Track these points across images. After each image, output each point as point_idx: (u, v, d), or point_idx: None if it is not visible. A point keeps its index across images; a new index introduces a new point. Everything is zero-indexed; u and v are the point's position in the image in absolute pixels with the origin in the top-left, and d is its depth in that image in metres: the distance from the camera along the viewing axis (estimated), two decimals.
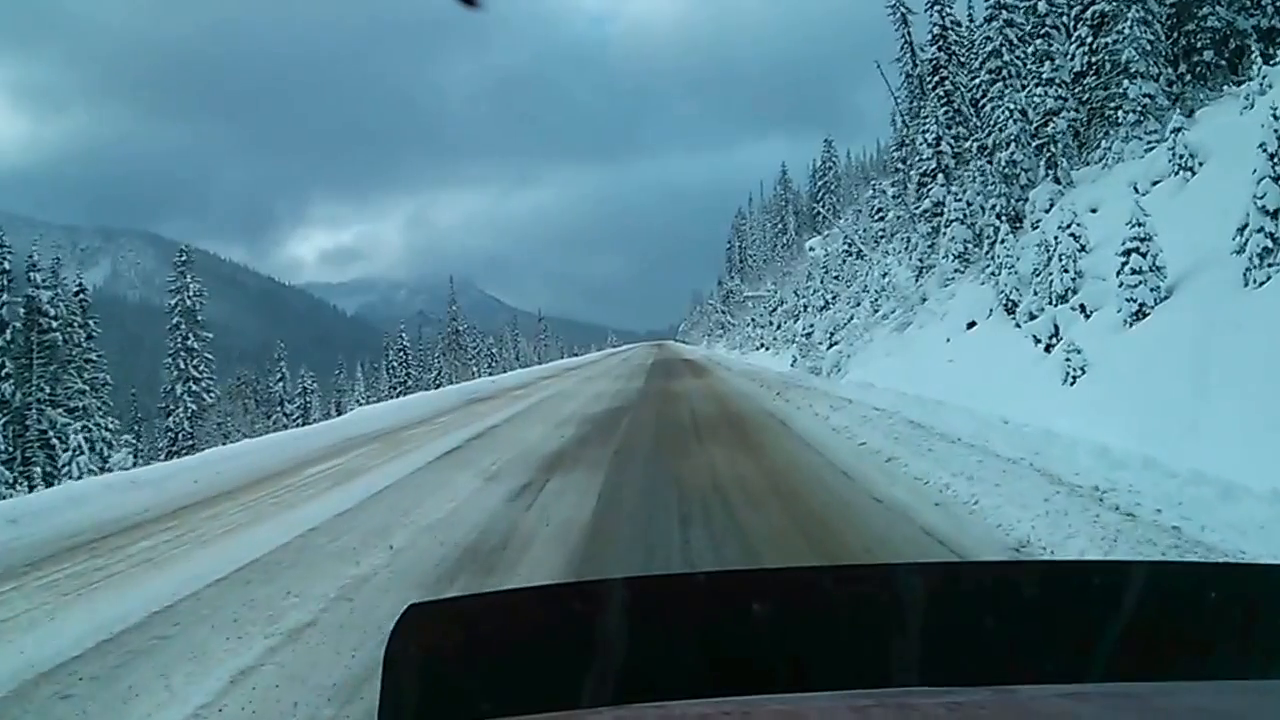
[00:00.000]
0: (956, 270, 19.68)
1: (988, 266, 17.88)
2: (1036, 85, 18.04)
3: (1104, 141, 17.18)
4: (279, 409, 79.95)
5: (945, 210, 20.97)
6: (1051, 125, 17.62)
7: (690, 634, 0.98)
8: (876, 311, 23.16)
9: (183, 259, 44.19)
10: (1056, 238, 13.59)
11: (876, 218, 33.36)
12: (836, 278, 30.51)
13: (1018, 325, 15.27)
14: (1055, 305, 13.01)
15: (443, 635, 0.98)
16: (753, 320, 47.85)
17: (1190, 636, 0.95)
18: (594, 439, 9.69)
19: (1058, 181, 17.52)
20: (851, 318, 25.46)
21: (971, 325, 17.23)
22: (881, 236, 32.18)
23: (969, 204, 20.06)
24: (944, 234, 20.79)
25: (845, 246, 33.33)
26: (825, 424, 9.85)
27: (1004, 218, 17.28)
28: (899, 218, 29.50)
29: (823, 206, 72.08)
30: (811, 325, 29.95)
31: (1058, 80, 17.76)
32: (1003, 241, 16.49)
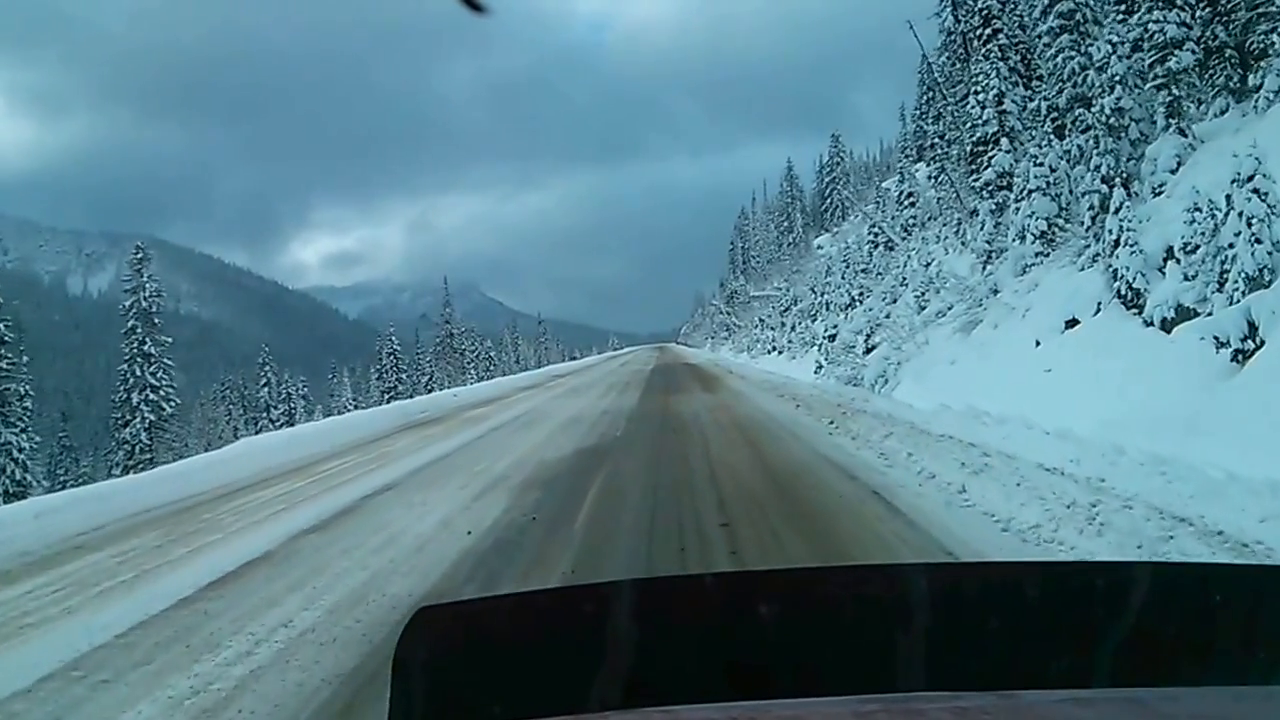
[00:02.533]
0: (1039, 253, 15.47)
1: (1087, 246, 13.71)
2: (1150, 9, 13.82)
3: (1248, 79, 12.95)
4: (265, 415, 76.69)
5: (1019, 180, 16.79)
6: (1174, 59, 13.40)
7: (697, 636, 0.98)
8: (923, 309, 18.96)
9: (139, 255, 40.08)
10: (1229, 197, 9.36)
11: (906, 204, 29.18)
12: (864, 271, 26.29)
13: (1149, 323, 11.10)
14: (1243, 292, 8.79)
15: (451, 637, 0.97)
16: (761, 321, 43.61)
17: (1194, 640, 0.94)
18: (528, 537, 5.39)
19: (1183, 134, 13.29)
20: (888, 315, 21.26)
21: (1072, 324, 13.02)
22: (913, 224, 28.04)
23: (1052, 169, 15.87)
24: (1015, 209, 16.59)
25: (871, 236, 29.11)
26: (973, 511, 5.09)
27: (1115, 181, 13.05)
28: (939, 200, 25.29)
29: (838, 197, 68.38)
30: (835, 326, 25.73)
31: (1180, 2, 13.54)
32: (1116, 211, 12.27)
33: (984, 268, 16.71)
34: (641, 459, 8.10)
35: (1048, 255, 15.44)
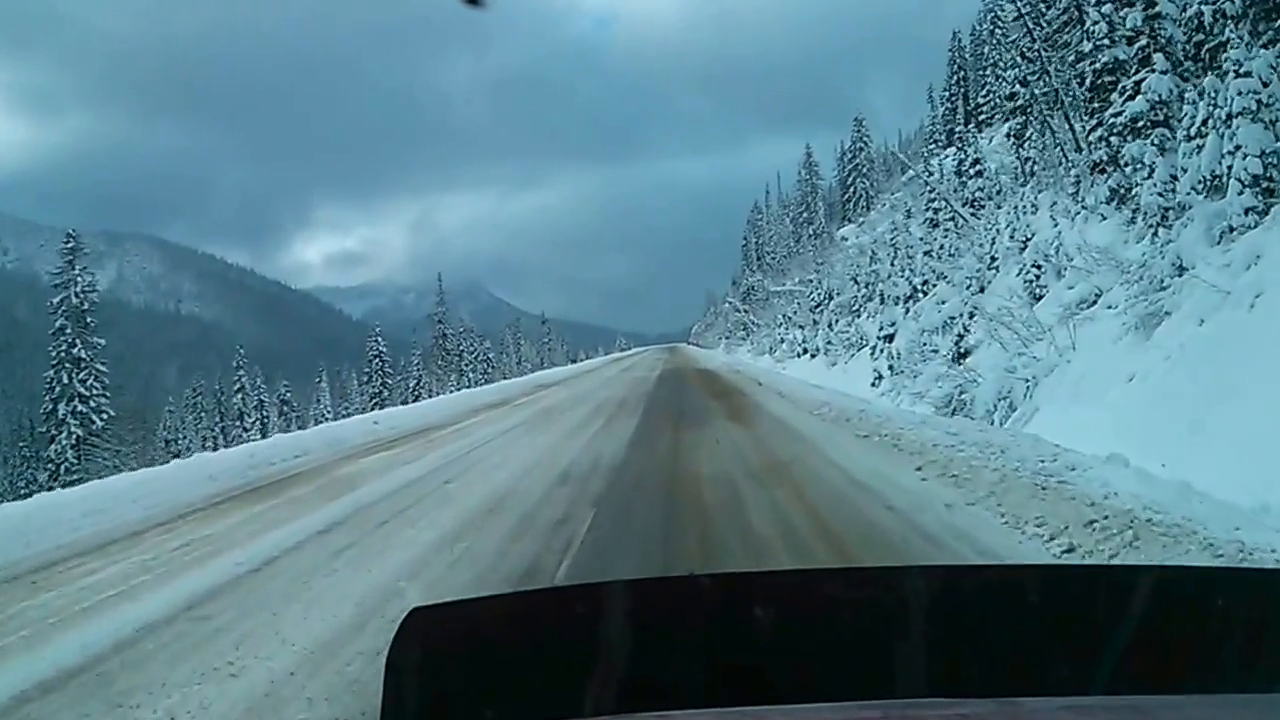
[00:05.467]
0: (1250, 209, 10.06)
1: None
2: None
3: None
4: (238, 423, 72.02)
5: (1193, 108, 11.40)
6: None
7: (693, 639, 0.95)
8: (1039, 297, 13.57)
9: (70, 245, 34.88)
10: None
11: (971, 174, 23.72)
12: (927, 253, 20.80)
13: None
14: None
15: (445, 639, 0.95)
16: (787, 319, 38.07)
17: (1197, 646, 0.92)
18: None
19: None
20: (974, 308, 15.84)
21: None
22: (981, 196, 22.61)
23: (1264, 83, 10.50)
24: (1195, 149, 11.20)
25: (930, 213, 23.62)
26: None
27: None
28: (1026, 161, 19.81)
29: (861, 186, 63.23)
30: (894, 323, 20.28)
31: None
32: None
33: (1154, 235, 11.23)
34: None
35: (1265, 211, 10.03)
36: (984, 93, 46.59)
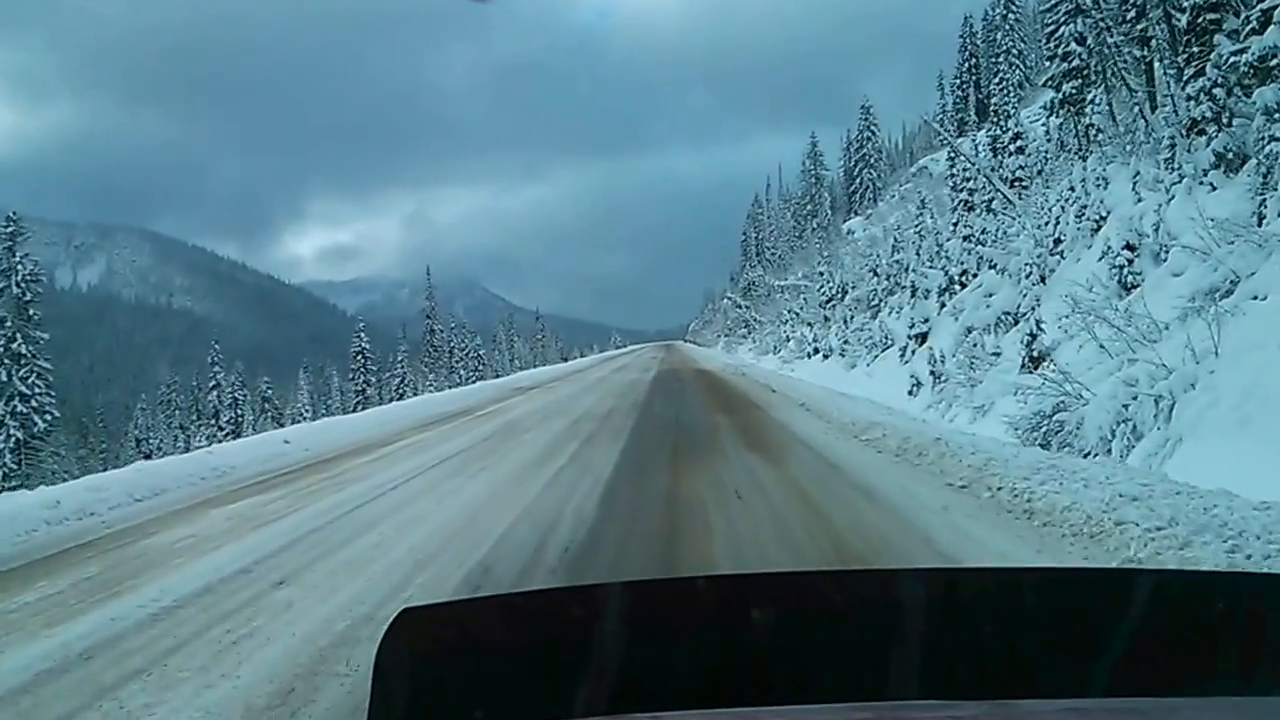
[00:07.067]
0: None
1: None
2: None
3: None
4: (213, 421, 69.35)
5: None
6: None
7: (687, 640, 0.95)
8: (1132, 285, 10.78)
9: (9, 228, 31.84)
10: None
11: (1011, 151, 20.91)
12: (967, 239, 17.95)
13: None
14: None
15: (435, 640, 0.94)
16: (794, 315, 35.20)
17: (1195, 649, 0.91)
18: None
19: None
20: (1038, 299, 13.04)
21: None
22: (1024, 176, 19.83)
23: None
24: None
25: (964, 195, 20.78)
26: None
27: None
28: (1091, 128, 16.96)
29: (868, 177, 60.62)
30: (927, 320, 17.45)
31: None
32: None
33: None
34: None
35: None
36: (997, 80, 43.85)
